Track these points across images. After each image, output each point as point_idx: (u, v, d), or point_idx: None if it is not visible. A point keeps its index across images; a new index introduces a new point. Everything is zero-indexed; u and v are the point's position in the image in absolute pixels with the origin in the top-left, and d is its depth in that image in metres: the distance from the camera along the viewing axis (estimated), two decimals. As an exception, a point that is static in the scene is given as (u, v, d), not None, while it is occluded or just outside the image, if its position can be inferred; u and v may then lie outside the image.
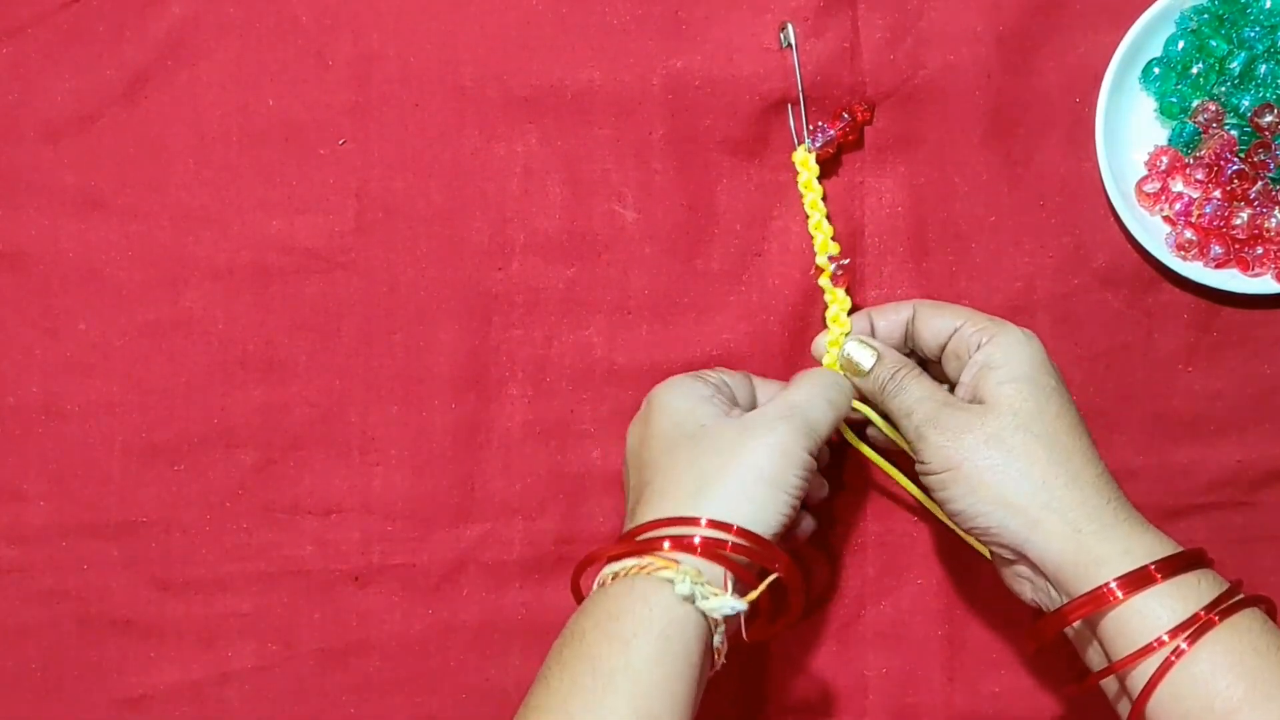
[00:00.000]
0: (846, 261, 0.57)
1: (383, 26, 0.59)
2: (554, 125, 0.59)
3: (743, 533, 0.47)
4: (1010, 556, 0.50)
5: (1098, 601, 0.46)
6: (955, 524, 0.51)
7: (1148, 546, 0.47)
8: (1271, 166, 0.56)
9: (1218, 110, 0.56)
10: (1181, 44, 0.57)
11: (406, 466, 0.59)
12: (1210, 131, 0.56)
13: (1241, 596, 0.46)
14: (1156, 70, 0.57)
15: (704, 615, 0.46)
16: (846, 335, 0.56)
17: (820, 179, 0.58)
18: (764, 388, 0.55)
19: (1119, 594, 0.46)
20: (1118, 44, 0.57)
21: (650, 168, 0.59)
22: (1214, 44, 0.56)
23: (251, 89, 0.59)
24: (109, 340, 0.59)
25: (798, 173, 0.58)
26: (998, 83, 0.58)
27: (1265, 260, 0.57)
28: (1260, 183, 0.56)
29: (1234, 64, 0.56)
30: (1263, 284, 0.57)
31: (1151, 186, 0.58)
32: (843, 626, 0.59)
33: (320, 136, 0.59)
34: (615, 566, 0.47)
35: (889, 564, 0.59)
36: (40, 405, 0.59)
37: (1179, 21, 0.57)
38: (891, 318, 0.56)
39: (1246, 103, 0.56)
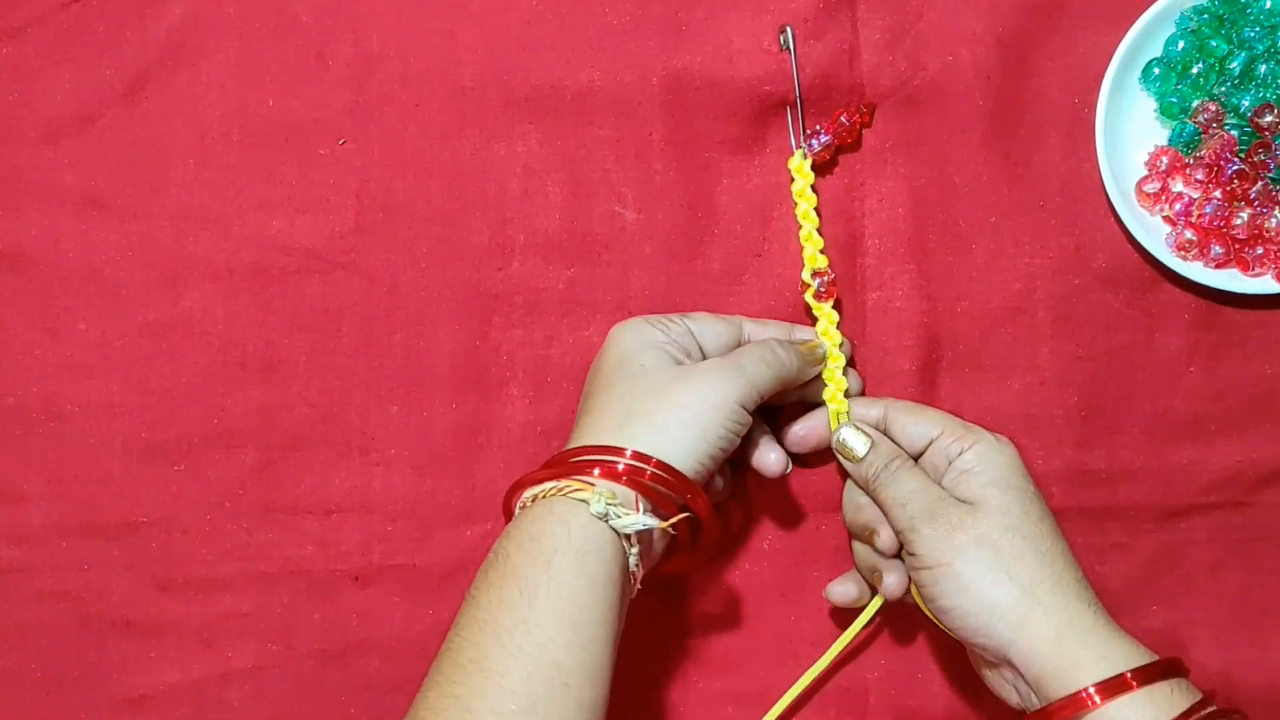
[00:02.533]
0: (831, 277, 0.57)
1: (383, 26, 0.59)
2: (554, 125, 0.59)
3: (661, 465, 0.49)
4: (993, 659, 0.51)
5: (1076, 705, 0.47)
6: (939, 622, 0.52)
7: (1124, 653, 0.48)
8: (1272, 166, 0.56)
9: (1218, 110, 0.56)
10: (1181, 44, 0.57)
11: (407, 466, 0.59)
12: (1210, 131, 0.56)
13: (1214, 708, 0.47)
14: (1156, 70, 0.57)
15: (619, 536, 0.48)
16: (843, 416, 0.57)
17: (818, 182, 0.58)
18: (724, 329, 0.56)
19: (1096, 699, 0.47)
20: (1118, 44, 0.57)
21: (650, 168, 0.59)
22: (1214, 44, 0.56)
23: (251, 89, 0.59)
24: (109, 340, 0.59)
25: (793, 179, 0.58)
26: (997, 83, 0.58)
27: (1265, 260, 0.57)
28: (1260, 183, 0.56)
29: (1234, 64, 0.56)
30: (1263, 284, 0.57)
31: (1151, 186, 0.58)
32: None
33: (320, 136, 0.59)
34: (536, 489, 0.50)
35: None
36: (40, 405, 0.59)
37: (1179, 22, 0.57)
38: (860, 413, 0.57)
39: (1246, 103, 0.56)
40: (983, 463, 0.52)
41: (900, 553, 0.53)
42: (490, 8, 0.59)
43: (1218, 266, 0.57)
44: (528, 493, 0.50)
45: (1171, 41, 0.57)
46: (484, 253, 0.59)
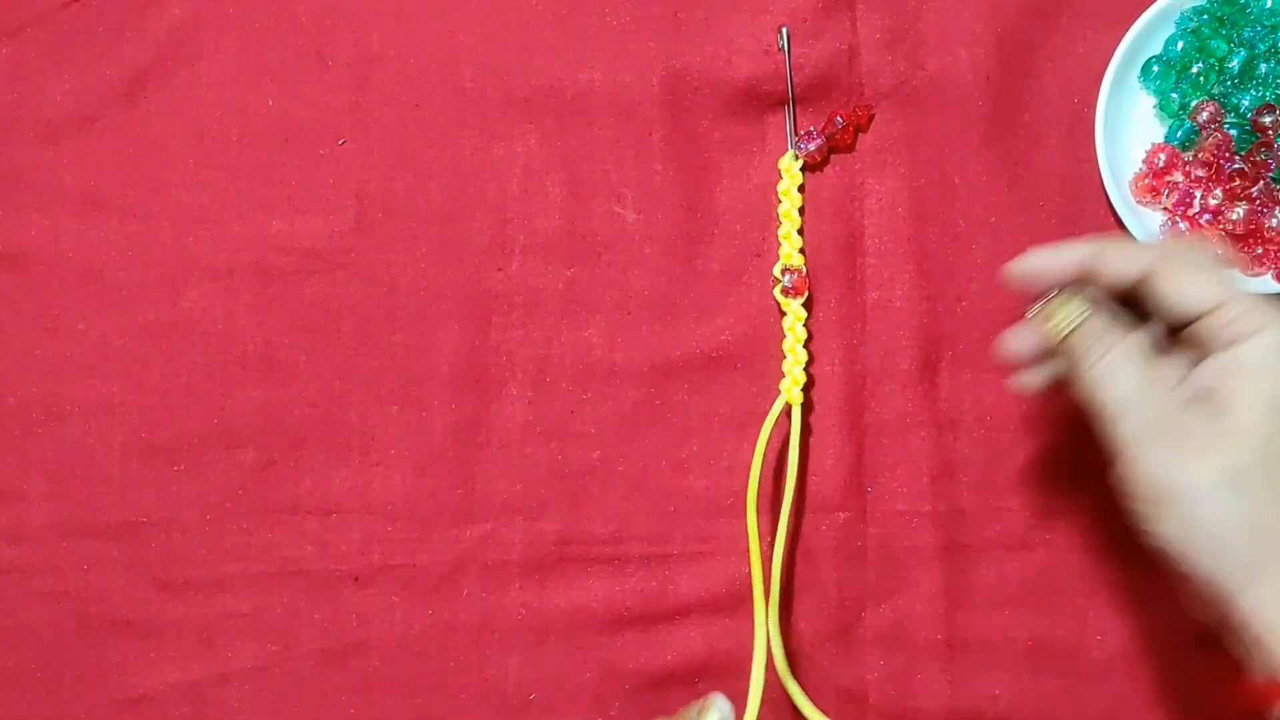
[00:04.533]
0: (801, 274, 0.57)
1: (383, 26, 0.59)
2: (554, 125, 0.59)
3: None
4: (1208, 603, 0.42)
5: None
6: (1150, 542, 0.43)
7: None
8: (1272, 166, 0.56)
9: (1217, 110, 0.56)
10: (1181, 44, 0.57)
11: (406, 466, 0.59)
12: (1207, 131, 0.56)
13: None
14: (1156, 68, 0.57)
15: None
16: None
17: (817, 182, 0.58)
18: None
19: None
20: (1118, 44, 0.57)
21: (650, 168, 0.59)
22: (1214, 44, 0.56)
23: (251, 89, 0.59)
24: (109, 340, 0.59)
25: (780, 178, 0.58)
26: (997, 83, 0.58)
27: (1265, 260, 0.57)
28: (1261, 182, 0.56)
29: (1234, 64, 0.56)
30: (1263, 284, 0.57)
31: (1147, 183, 0.58)
32: (842, 629, 0.59)
33: (320, 136, 0.59)
34: None
35: (889, 567, 0.59)
36: (40, 405, 0.59)
37: (1179, 22, 0.57)
38: (1117, 264, 0.44)
39: (1246, 102, 0.56)
40: (1259, 362, 0.41)
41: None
42: (490, 8, 0.59)
43: (1218, 266, 0.57)
44: None
45: (1171, 41, 0.57)
46: (484, 253, 0.59)
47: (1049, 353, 0.45)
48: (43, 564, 0.59)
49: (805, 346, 0.58)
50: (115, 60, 0.59)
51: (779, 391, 0.58)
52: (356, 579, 0.59)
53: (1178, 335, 0.43)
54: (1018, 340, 0.45)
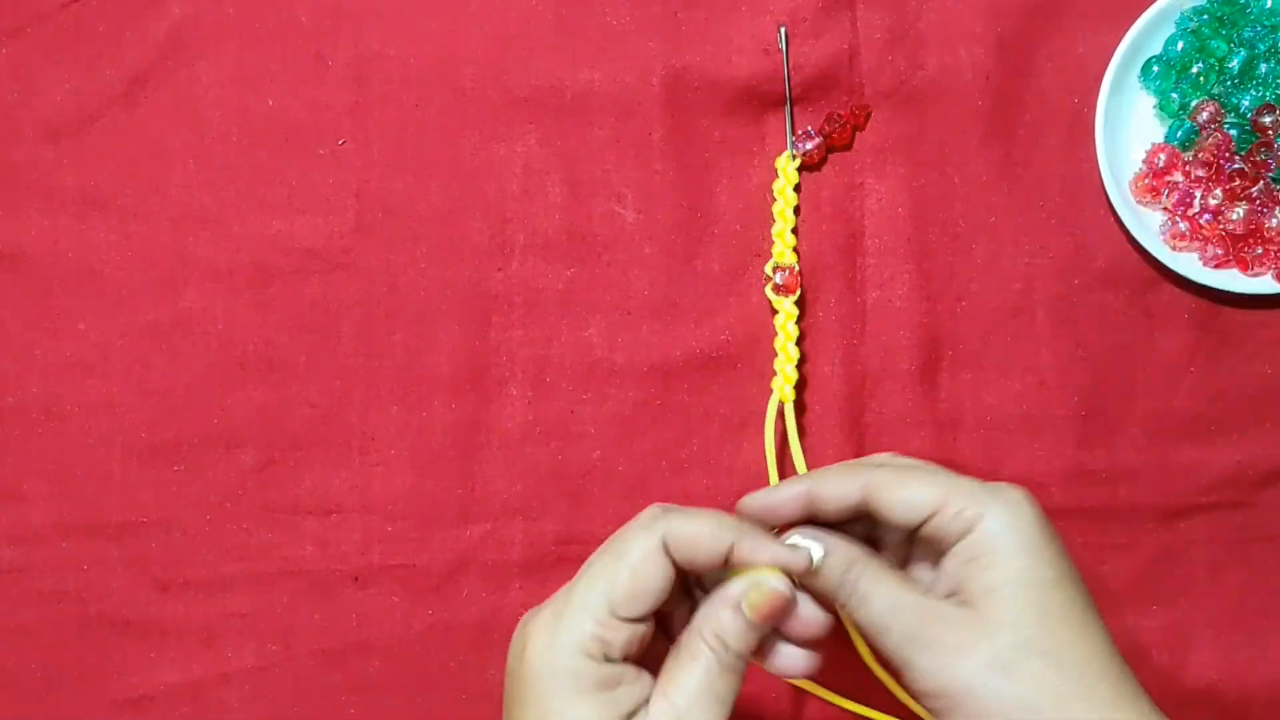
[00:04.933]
0: (793, 271, 0.57)
1: (383, 26, 0.59)
2: (554, 125, 0.59)
3: None
4: None
5: None
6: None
7: None
8: (1272, 166, 0.56)
9: (1217, 110, 0.56)
10: (1181, 44, 0.57)
11: (406, 466, 0.59)
12: (1207, 131, 0.56)
13: None
14: (1156, 68, 0.57)
15: None
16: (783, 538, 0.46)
17: (817, 181, 0.58)
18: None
19: None
20: (1118, 44, 0.57)
21: (650, 168, 0.59)
22: (1214, 44, 0.56)
23: (251, 89, 0.59)
24: (109, 340, 0.59)
25: (776, 176, 0.58)
26: (997, 83, 0.58)
27: (1265, 260, 0.57)
28: (1261, 182, 0.56)
29: (1234, 64, 0.56)
30: (1263, 284, 0.57)
31: (1148, 183, 0.58)
32: (843, 629, 0.59)
33: (320, 136, 0.59)
34: None
35: (889, 564, 0.59)
36: (40, 405, 0.59)
37: (1179, 22, 0.57)
38: (834, 492, 0.45)
39: (1246, 103, 0.56)
40: (993, 546, 0.42)
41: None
42: (490, 8, 0.59)
43: (1217, 266, 0.57)
44: None
45: (1171, 41, 0.57)
46: (484, 253, 0.59)
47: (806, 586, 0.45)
48: (43, 564, 0.59)
49: (798, 345, 0.58)
50: (115, 60, 0.59)
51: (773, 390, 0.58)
52: (356, 579, 0.59)
53: (915, 538, 0.45)
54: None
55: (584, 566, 0.45)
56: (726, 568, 0.44)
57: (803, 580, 0.45)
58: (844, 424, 0.59)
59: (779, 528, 0.47)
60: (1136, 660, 0.58)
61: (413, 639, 0.59)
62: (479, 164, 0.59)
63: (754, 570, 0.44)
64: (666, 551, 0.43)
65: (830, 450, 0.59)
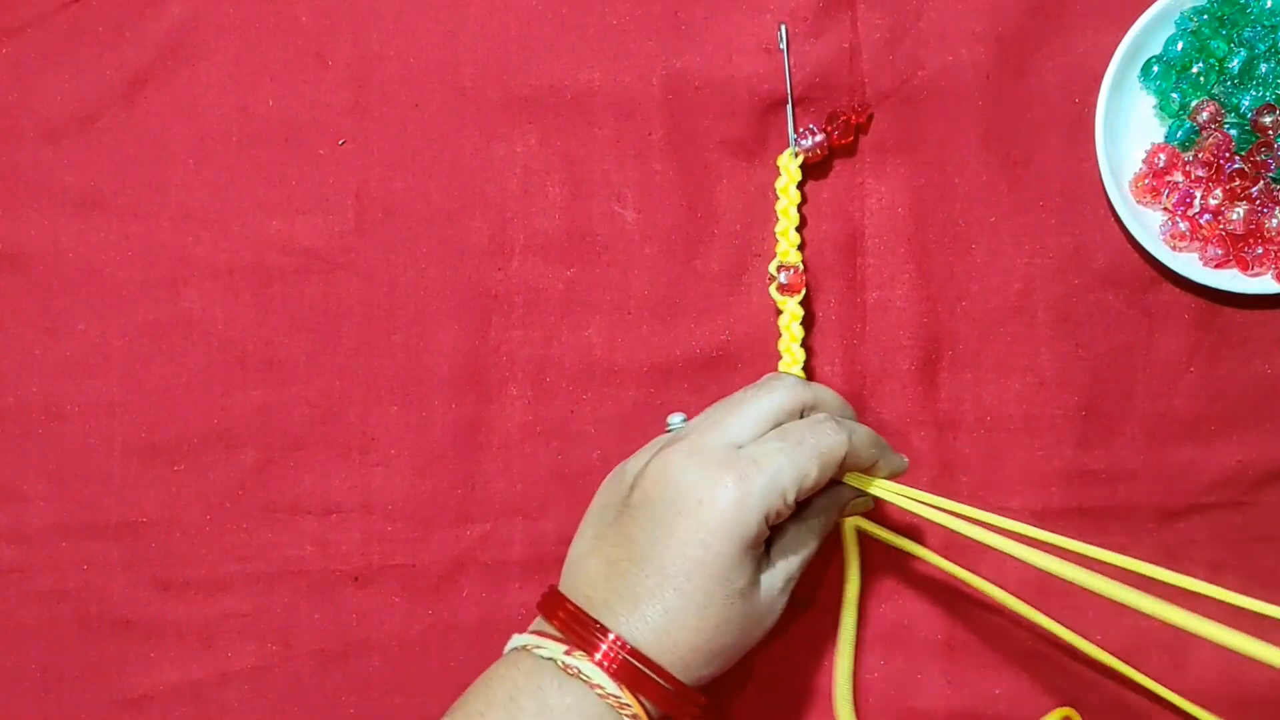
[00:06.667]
0: (798, 271, 0.57)
1: (383, 26, 0.59)
2: (554, 125, 0.59)
3: (645, 664, 0.47)
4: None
5: None
6: None
7: None
8: (1272, 166, 0.56)
9: (1217, 110, 0.56)
10: (1181, 44, 0.57)
11: (406, 466, 0.59)
12: (1207, 131, 0.56)
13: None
14: (1156, 68, 0.57)
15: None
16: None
17: (817, 181, 0.58)
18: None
19: None
20: (1118, 44, 0.57)
21: (650, 168, 0.59)
22: (1214, 44, 0.56)
23: (251, 89, 0.59)
24: (109, 340, 0.59)
25: (779, 175, 0.58)
26: (997, 83, 0.58)
27: (1265, 260, 0.57)
28: (1261, 182, 0.56)
29: (1234, 64, 0.56)
30: (1263, 284, 0.57)
31: (1148, 183, 0.58)
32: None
33: (320, 136, 0.59)
34: (541, 646, 0.48)
35: (888, 567, 0.59)
36: (40, 405, 0.59)
37: (1179, 22, 0.57)
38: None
39: (1246, 103, 0.56)
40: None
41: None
42: (490, 8, 0.59)
43: (1217, 266, 0.57)
44: (530, 640, 0.49)
45: (1171, 41, 0.57)
46: (484, 253, 0.59)
47: None
48: (43, 564, 0.59)
49: (803, 345, 0.58)
50: (115, 60, 0.59)
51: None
52: (356, 579, 0.59)
53: None
54: None
55: (748, 398, 0.51)
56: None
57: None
58: (844, 424, 0.59)
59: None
60: (1137, 660, 0.58)
61: (413, 639, 0.59)
62: (479, 164, 0.59)
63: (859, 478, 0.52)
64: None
65: (830, 450, 0.59)
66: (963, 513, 0.50)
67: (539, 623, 0.50)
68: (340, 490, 0.59)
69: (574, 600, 0.49)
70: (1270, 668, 0.45)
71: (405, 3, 0.59)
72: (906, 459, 0.54)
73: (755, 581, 0.49)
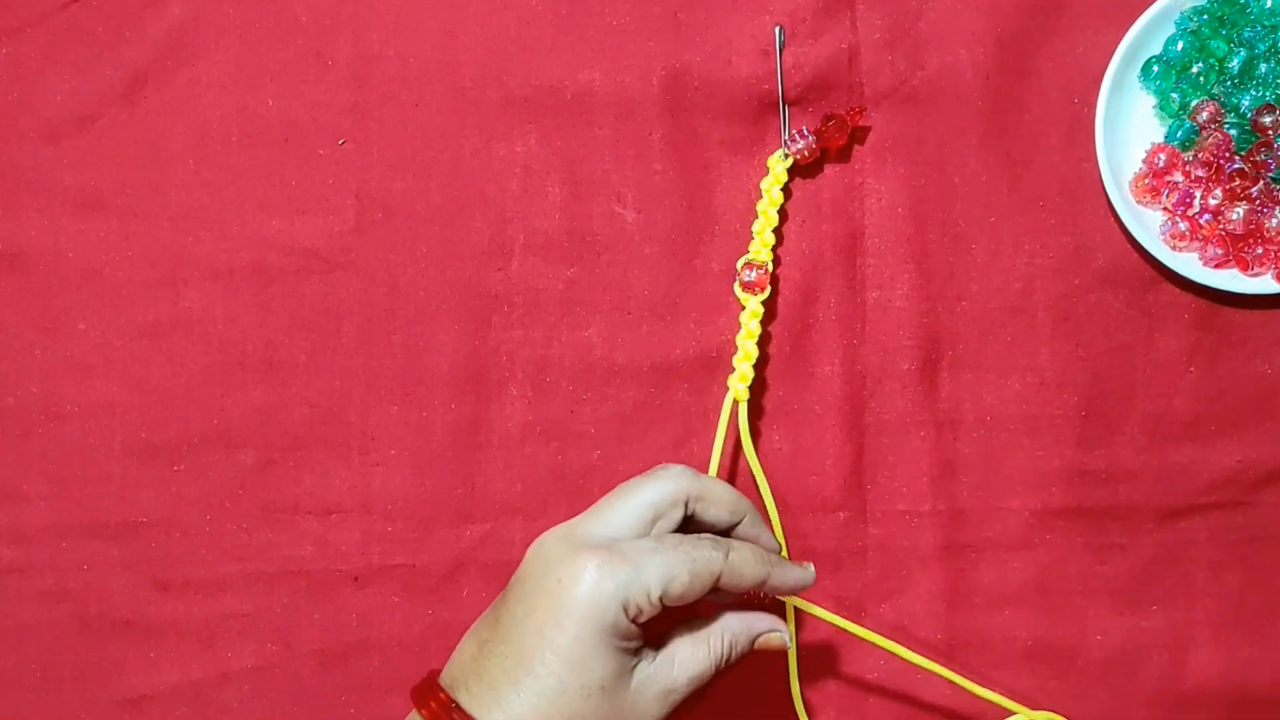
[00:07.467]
0: (765, 271, 0.57)
1: (383, 26, 0.59)
2: (554, 125, 0.59)
3: None
4: None
5: None
6: None
7: None
8: (1272, 166, 0.56)
9: (1217, 110, 0.56)
10: (1181, 44, 0.57)
11: (406, 466, 0.59)
12: (1207, 131, 0.56)
13: None
14: (1156, 68, 0.57)
15: None
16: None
17: (817, 181, 0.58)
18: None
19: None
20: (1118, 44, 0.57)
21: (650, 168, 0.59)
22: (1214, 44, 0.56)
23: (251, 89, 0.59)
24: (109, 340, 0.59)
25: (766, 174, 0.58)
26: (997, 83, 0.58)
27: (1265, 260, 0.57)
28: (1261, 182, 0.56)
29: (1234, 64, 0.56)
30: (1263, 284, 0.57)
31: (1148, 183, 0.58)
32: (842, 630, 0.59)
33: (320, 136, 0.59)
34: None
35: (888, 567, 0.59)
36: (40, 405, 0.59)
37: (1179, 22, 0.57)
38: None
39: (1246, 103, 0.56)
40: None
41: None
42: (490, 8, 0.59)
43: (1217, 266, 0.57)
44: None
45: (1171, 42, 0.57)
46: (484, 253, 0.59)
47: None
48: (43, 564, 0.59)
49: (758, 344, 0.57)
50: (115, 60, 0.59)
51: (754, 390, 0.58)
52: (356, 579, 0.59)
53: None
54: None
55: (630, 490, 0.51)
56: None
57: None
58: (844, 424, 0.59)
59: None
60: (1137, 660, 0.58)
61: (413, 639, 0.59)
62: (479, 164, 0.59)
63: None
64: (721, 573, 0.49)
65: (830, 450, 0.59)
66: (869, 638, 0.54)
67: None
68: (340, 490, 0.59)
69: (446, 682, 0.48)
70: None
71: (405, 3, 0.59)
72: (812, 572, 0.52)
73: (622, 682, 0.47)
